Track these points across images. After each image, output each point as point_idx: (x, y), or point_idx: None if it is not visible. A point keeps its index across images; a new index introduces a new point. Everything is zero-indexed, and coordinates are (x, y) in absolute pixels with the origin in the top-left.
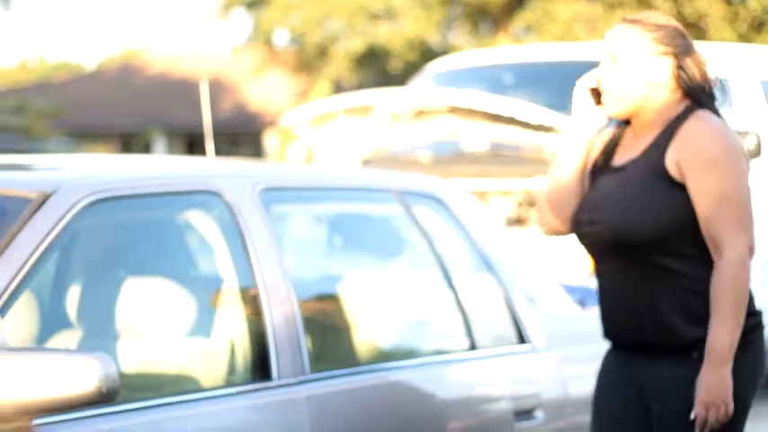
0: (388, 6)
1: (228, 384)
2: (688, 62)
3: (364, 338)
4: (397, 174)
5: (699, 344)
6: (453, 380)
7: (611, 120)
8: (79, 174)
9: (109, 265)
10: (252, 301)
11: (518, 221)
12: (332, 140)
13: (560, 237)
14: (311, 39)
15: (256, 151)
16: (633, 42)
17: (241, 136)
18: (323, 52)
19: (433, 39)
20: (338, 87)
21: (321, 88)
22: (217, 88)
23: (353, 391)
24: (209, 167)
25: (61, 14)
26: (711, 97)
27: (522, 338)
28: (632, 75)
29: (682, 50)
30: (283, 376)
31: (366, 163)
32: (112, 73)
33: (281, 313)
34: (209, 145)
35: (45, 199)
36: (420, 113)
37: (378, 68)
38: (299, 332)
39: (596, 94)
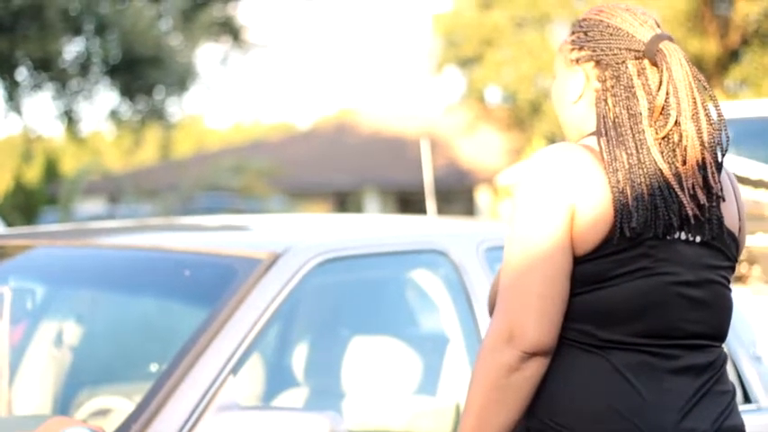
0: None
1: None
2: (620, 70)
3: None
4: None
5: None
6: None
7: None
8: (308, 234)
9: (336, 324)
10: None
11: (739, 279)
12: None
13: None
14: (524, 96)
15: (468, 208)
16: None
17: (453, 193)
18: (536, 109)
19: None
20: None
21: (538, 145)
22: (429, 146)
23: None
24: (435, 227)
25: (275, 76)
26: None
27: (747, 398)
28: (553, 95)
29: (608, 53)
30: None
31: None
32: (327, 132)
33: None
34: (431, 204)
35: (275, 259)
36: None
37: None
38: None
39: None
